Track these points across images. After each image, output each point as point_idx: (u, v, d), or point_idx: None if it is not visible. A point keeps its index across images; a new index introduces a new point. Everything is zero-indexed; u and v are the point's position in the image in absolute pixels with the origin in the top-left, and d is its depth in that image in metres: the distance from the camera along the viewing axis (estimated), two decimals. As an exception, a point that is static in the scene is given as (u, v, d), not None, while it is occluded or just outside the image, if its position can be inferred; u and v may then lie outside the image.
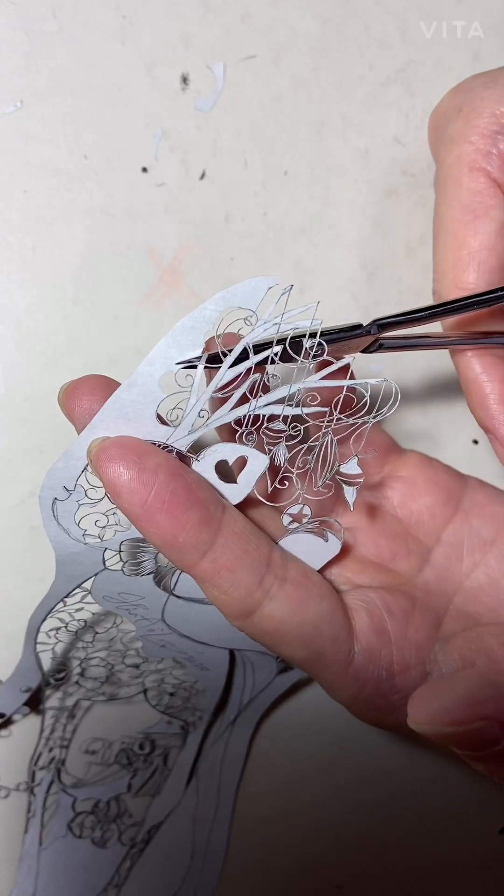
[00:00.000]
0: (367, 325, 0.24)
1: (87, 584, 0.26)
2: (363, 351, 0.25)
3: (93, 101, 0.30)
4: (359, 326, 0.24)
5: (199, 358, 0.22)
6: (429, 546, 0.28)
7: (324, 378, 0.23)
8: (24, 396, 0.30)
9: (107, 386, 0.23)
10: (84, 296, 0.30)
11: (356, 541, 0.27)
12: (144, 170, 0.30)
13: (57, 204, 0.30)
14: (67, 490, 0.23)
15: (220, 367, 0.22)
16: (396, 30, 0.31)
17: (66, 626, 0.29)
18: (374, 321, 0.24)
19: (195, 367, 0.22)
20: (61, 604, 0.27)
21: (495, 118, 0.25)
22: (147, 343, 0.31)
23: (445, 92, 0.31)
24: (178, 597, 0.27)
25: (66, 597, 0.27)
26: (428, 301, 0.26)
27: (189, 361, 0.22)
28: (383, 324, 0.24)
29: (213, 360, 0.22)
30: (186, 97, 0.30)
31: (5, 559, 0.31)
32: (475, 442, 0.32)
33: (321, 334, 0.23)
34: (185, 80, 0.30)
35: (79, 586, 0.26)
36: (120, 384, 0.22)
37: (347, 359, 0.23)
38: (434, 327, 0.25)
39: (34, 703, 0.31)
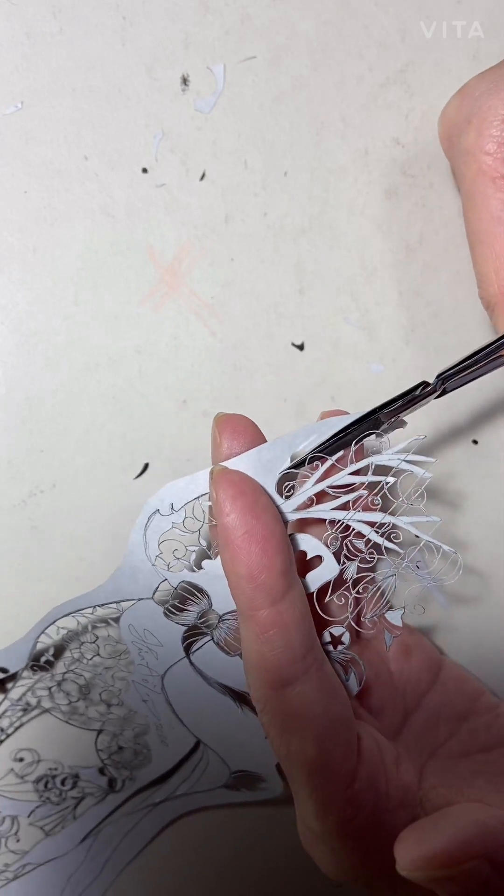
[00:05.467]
0: (434, 383, 0.25)
1: (124, 605, 0.27)
2: (435, 398, 0.26)
3: (93, 102, 0.30)
4: (426, 384, 0.25)
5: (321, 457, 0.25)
6: (411, 708, 0.29)
7: (413, 524, 0.25)
8: (24, 396, 0.30)
9: (255, 433, 0.25)
10: (84, 296, 0.30)
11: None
12: (145, 170, 0.30)
13: (57, 204, 0.30)
14: (173, 509, 0.26)
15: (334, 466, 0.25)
16: (396, 30, 0.31)
17: (79, 633, 0.29)
18: (439, 377, 0.25)
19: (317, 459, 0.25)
20: (91, 609, 0.27)
21: None
22: (147, 343, 0.31)
23: (445, 93, 0.31)
24: (192, 664, 0.28)
25: (100, 605, 0.27)
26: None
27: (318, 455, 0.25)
28: (447, 377, 0.25)
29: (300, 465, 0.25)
30: (186, 98, 0.30)
31: (5, 559, 0.31)
32: (475, 442, 0.32)
33: (394, 407, 0.25)
34: (185, 80, 0.30)
35: (117, 603, 0.27)
36: (265, 440, 0.25)
37: (435, 518, 0.25)
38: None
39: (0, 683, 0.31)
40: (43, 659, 0.30)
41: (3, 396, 0.30)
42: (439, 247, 0.31)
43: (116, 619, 0.28)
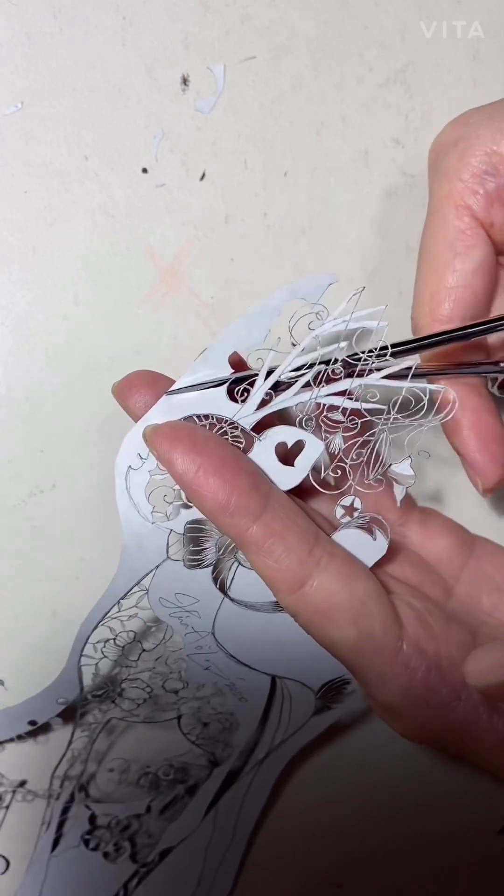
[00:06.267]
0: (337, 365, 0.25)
1: (146, 583, 0.27)
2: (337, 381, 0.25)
3: (93, 102, 0.30)
4: (328, 363, 0.25)
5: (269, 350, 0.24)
6: (450, 583, 0.29)
7: (385, 378, 0.24)
8: (25, 396, 0.30)
9: (150, 378, 0.25)
10: (84, 296, 0.30)
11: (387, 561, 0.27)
12: (145, 170, 0.30)
13: (57, 204, 0.30)
14: (141, 458, 0.25)
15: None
16: (396, 30, 0.31)
17: (114, 640, 0.29)
18: (345, 360, 0.25)
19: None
20: (116, 607, 0.27)
21: (487, 157, 0.26)
22: (147, 343, 0.31)
23: (445, 93, 0.31)
24: (233, 600, 0.27)
25: (122, 598, 0.27)
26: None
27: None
28: (351, 362, 0.25)
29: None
30: (186, 98, 0.30)
31: (5, 559, 0.31)
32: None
33: (290, 383, 0.24)
34: (185, 80, 0.30)
35: (137, 584, 0.27)
36: (164, 377, 0.25)
37: (410, 361, 0.24)
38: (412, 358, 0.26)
39: (67, 713, 0.32)
40: (96, 683, 0.30)
41: (3, 396, 0.30)
42: (439, 247, 0.31)
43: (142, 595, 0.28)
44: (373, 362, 0.24)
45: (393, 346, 0.25)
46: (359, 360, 0.24)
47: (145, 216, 0.31)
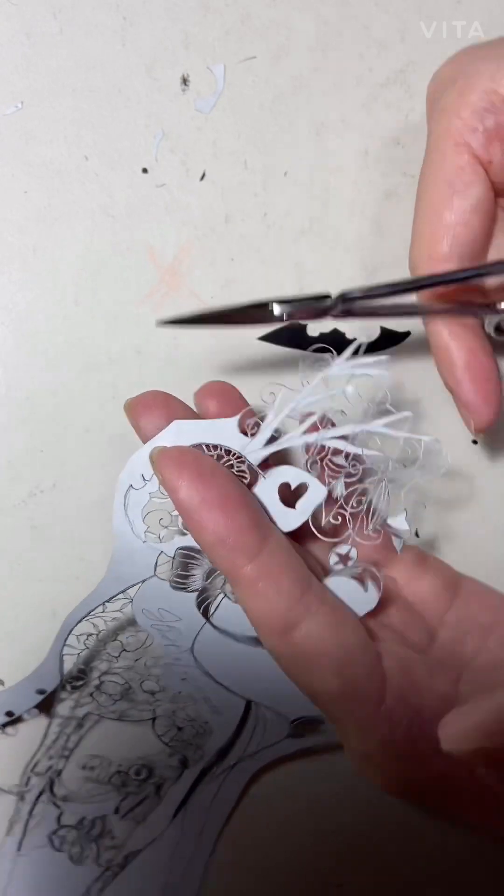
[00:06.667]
0: (334, 300, 0.25)
1: (131, 592, 0.27)
2: (333, 316, 0.25)
3: (93, 102, 0.30)
4: (327, 297, 0.25)
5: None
6: (434, 626, 0.28)
7: (386, 425, 0.25)
8: (25, 396, 0.30)
9: (164, 400, 0.25)
10: (84, 296, 0.30)
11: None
12: (145, 170, 0.30)
13: (57, 204, 0.30)
14: (144, 479, 0.25)
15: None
16: (396, 30, 0.31)
17: (97, 634, 0.29)
18: (340, 295, 0.25)
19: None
20: (101, 607, 0.27)
21: (486, 94, 0.25)
22: (147, 343, 0.31)
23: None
24: (215, 626, 0.27)
25: (108, 600, 0.27)
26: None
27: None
28: (349, 298, 0.25)
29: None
30: (187, 98, 0.30)
31: (5, 559, 0.31)
32: (474, 442, 0.32)
33: (289, 301, 0.24)
34: (185, 81, 0.30)
35: (123, 592, 0.27)
36: (178, 401, 0.25)
37: (406, 413, 0.24)
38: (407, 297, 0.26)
39: (45, 706, 0.31)
40: (75, 672, 0.30)
41: (4, 396, 0.30)
42: (439, 247, 0.31)
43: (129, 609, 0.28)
44: (376, 407, 0.25)
45: (391, 284, 0.25)
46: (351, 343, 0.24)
47: (145, 216, 0.31)
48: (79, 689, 0.31)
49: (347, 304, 0.25)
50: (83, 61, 0.30)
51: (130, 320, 0.31)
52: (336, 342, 0.30)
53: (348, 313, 0.25)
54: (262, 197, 0.31)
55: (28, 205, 0.30)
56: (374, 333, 0.31)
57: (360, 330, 0.31)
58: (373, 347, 0.31)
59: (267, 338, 0.31)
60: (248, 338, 0.31)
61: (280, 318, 0.25)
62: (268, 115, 0.31)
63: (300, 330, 0.31)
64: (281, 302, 0.24)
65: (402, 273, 0.32)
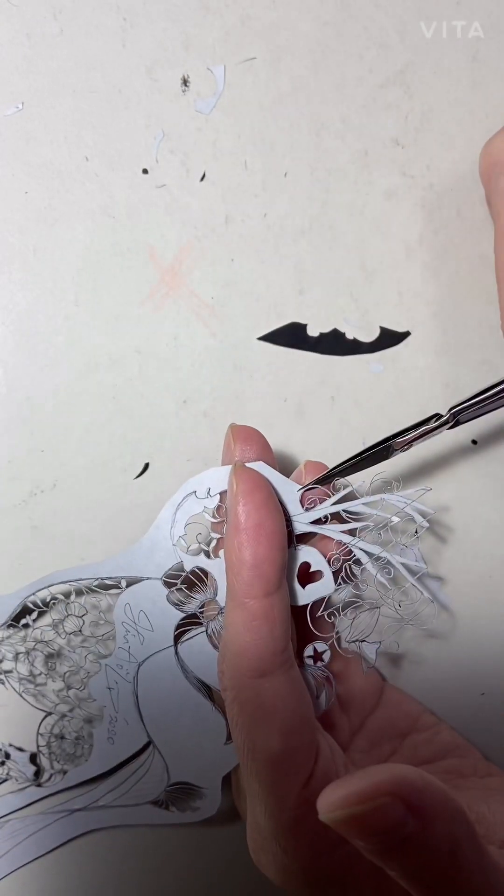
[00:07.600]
0: (446, 416, 0.26)
1: (124, 582, 0.28)
2: (448, 429, 0.27)
3: (94, 103, 0.30)
4: (438, 416, 0.26)
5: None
6: (356, 728, 0.30)
7: (403, 564, 0.27)
8: (25, 396, 0.31)
9: (264, 443, 0.27)
10: (85, 296, 0.31)
11: None
12: (145, 171, 0.30)
13: (58, 205, 0.30)
14: (209, 493, 0.27)
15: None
16: (396, 31, 0.31)
17: (67, 602, 0.29)
18: (451, 410, 0.26)
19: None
20: (92, 580, 0.28)
21: None
22: (147, 343, 0.31)
23: (445, 92, 0.31)
24: (177, 653, 0.28)
25: (103, 578, 0.28)
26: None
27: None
28: (459, 410, 0.26)
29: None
30: (187, 99, 0.30)
31: (5, 559, 0.31)
32: (474, 442, 0.32)
33: (408, 430, 0.26)
34: (185, 82, 0.30)
35: (122, 579, 0.28)
36: (271, 450, 0.28)
37: (439, 579, 0.29)
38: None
39: None
40: (22, 621, 0.29)
41: (4, 396, 0.30)
42: (439, 247, 0.31)
43: (115, 594, 0.28)
44: (403, 545, 0.28)
45: (487, 391, 0.26)
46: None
47: (146, 217, 0.31)
48: (14, 630, 0.29)
49: (458, 415, 0.26)
50: (83, 62, 0.30)
51: (130, 320, 0.31)
52: (336, 342, 0.31)
53: (458, 422, 0.26)
54: (262, 197, 0.31)
55: (28, 205, 0.30)
56: (375, 333, 0.31)
57: (361, 330, 0.31)
58: (373, 347, 0.32)
59: (267, 338, 0.31)
60: (249, 338, 0.31)
61: (400, 450, 0.27)
62: (268, 115, 0.31)
63: (300, 330, 0.31)
64: (399, 437, 0.26)
65: (402, 274, 0.32)
